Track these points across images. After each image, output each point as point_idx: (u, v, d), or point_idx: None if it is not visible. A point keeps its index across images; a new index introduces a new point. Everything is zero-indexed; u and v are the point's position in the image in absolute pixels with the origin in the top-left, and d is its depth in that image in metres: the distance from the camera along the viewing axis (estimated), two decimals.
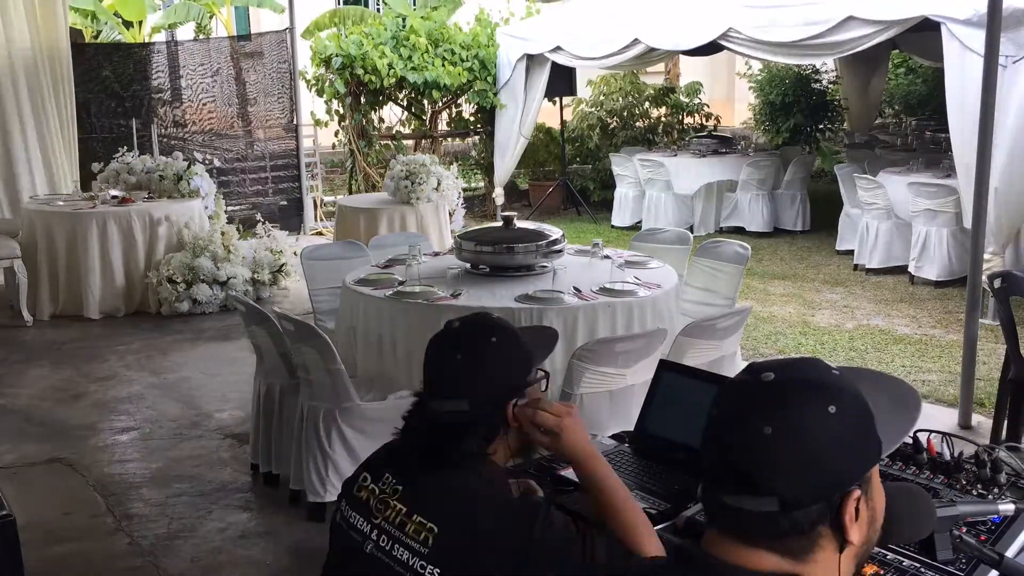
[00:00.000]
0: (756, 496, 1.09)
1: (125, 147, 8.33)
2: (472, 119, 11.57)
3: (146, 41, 14.02)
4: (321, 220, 10.76)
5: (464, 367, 1.77)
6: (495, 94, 10.64)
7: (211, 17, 15.55)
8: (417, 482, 1.74)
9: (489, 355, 1.78)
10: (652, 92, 12.56)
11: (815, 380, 1.14)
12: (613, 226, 10.60)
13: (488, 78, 10.65)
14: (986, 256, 5.67)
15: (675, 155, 10.63)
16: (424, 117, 11.27)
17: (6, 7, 8.40)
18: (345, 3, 16.96)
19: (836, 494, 1.11)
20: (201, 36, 14.82)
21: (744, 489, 1.10)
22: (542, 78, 10.17)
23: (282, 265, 7.62)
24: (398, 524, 1.70)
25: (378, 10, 14.86)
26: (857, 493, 1.12)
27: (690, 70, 15.09)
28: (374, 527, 1.73)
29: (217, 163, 9.51)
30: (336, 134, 10.93)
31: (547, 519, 1.67)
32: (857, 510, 1.12)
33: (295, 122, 10.44)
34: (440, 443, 1.75)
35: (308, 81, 10.45)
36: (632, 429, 2.46)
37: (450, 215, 8.37)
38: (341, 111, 10.51)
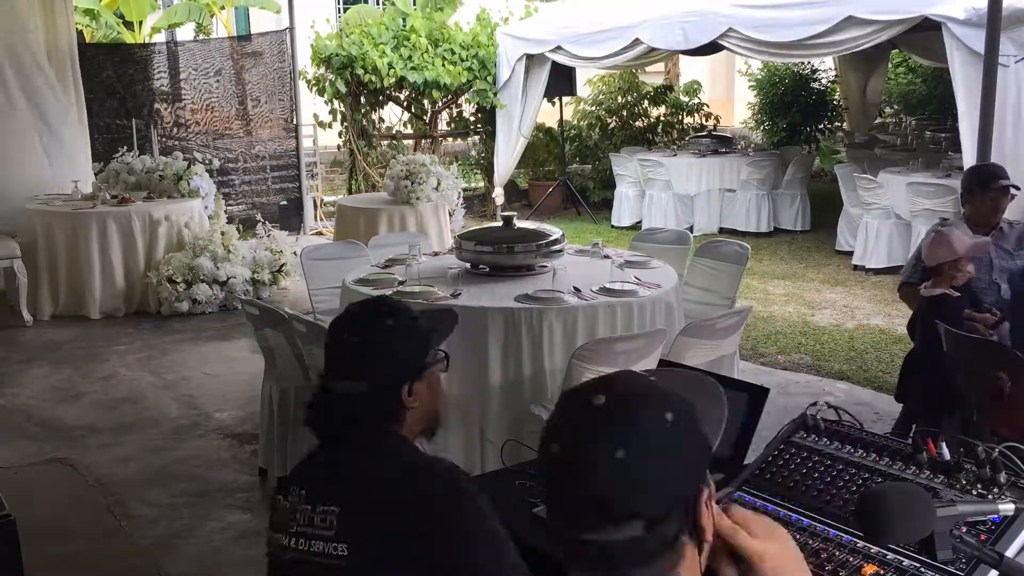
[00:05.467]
0: (619, 524, 1.05)
1: (125, 147, 8.32)
2: (472, 119, 11.56)
3: (146, 41, 14.01)
4: (321, 220, 10.76)
5: (359, 349, 1.84)
6: (495, 94, 10.63)
7: (211, 16, 15.54)
8: (317, 479, 1.79)
9: (384, 337, 1.85)
10: (651, 91, 12.56)
11: (643, 391, 1.12)
12: (613, 226, 10.60)
13: (488, 78, 10.64)
14: None
15: (675, 155, 10.64)
16: (424, 117, 11.27)
17: (3, 5, 8.38)
18: (346, 3, 16.94)
19: (691, 498, 1.10)
20: (201, 36, 14.81)
21: (606, 520, 1.06)
22: (542, 78, 10.18)
23: (282, 265, 7.62)
24: (307, 522, 1.74)
25: (383, 10, 14.84)
26: (706, 491, 1.12)
27: (690, 70, 15.10)
28: (290, 536, 1.76)
29: (217, 163, 9.49)
30: (338, 134, 10.93)
31: (452, 478, 1.72)
32: (707, 506, 1.12)
33: (295, 122, 10.44)
34: (339, 426, 1.82)
35: (308, 81, 10.44)
36: None
37: (450, 215, 8.36)
38: (341, 111, 10.50)
